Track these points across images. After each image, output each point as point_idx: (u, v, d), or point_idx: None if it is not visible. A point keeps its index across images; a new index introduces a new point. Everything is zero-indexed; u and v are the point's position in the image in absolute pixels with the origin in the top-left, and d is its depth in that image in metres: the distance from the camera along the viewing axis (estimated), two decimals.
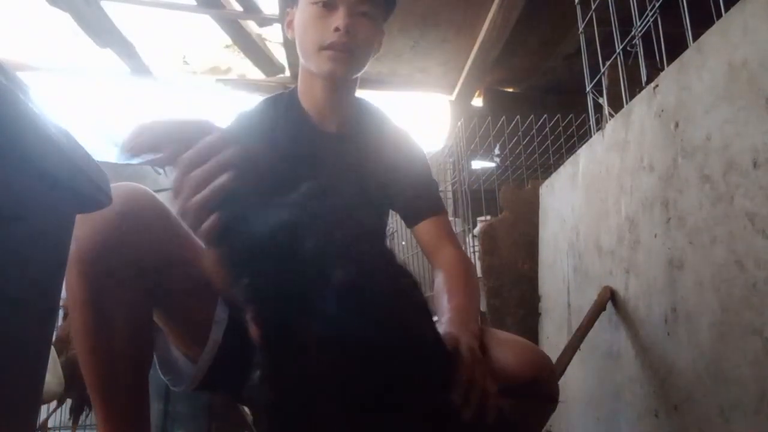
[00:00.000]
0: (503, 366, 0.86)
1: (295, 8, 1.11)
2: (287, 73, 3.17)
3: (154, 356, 1.01)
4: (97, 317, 0.83)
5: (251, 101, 1.16)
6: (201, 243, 1.00)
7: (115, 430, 0.86)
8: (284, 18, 1.18)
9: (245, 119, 1.12)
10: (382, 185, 1.15)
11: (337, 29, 1.01)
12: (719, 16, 0.92)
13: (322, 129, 1.12)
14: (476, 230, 2.58)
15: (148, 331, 0.91)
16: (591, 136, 1.54)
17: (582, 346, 1.36)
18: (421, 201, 1.19)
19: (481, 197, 2.76)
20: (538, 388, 0.88)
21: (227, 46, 3.13)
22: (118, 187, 0.84)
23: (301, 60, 1.11)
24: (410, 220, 1.22)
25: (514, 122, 2.59)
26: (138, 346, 0.88)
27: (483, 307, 2.18)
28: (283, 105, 1.14)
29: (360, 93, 1.19)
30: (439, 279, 1.07)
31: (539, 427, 0.97)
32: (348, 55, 1.04)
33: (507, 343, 0.93)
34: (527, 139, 2.59)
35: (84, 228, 0.78)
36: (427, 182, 1.21)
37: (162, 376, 1.01)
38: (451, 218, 3.08)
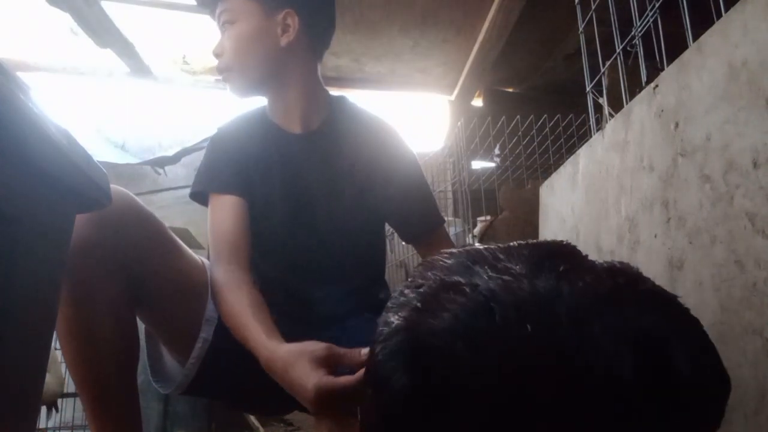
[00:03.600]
0: None
1: None
2: None
3: (147, 362, 1.02)
4: (79, 314, 0.84)
5: (251, 101, 1.15)
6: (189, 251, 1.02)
7: (104, 428, 0.87)
8: None
9: (222, 134, 1.13)
10: (365, 183, 1.11)
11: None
12: (719, 16, 0.92)
13: (287, 131, 1.10)
14: (476, 230, 2.58)
15: (133, 328, 0.92)
16: (591, 136, 1.54)
17: None
18: (418, 218, 1.15)
19: (481, 197, 2.75)
20: None
21: None
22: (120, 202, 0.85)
23: None
24: (408, 237, 1.19)
25: (514, 122, 2.59)
26: (122, 342, 0.89)
27: None
28: (257, 116, 1.14)
29: (360, 93, 1.18)
30: None
31: None
32: (227, 74, 1.06)
33: None
34: (527, 139, 2.59)
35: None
36: (421, 193, 1.16)
37: (153, 383, 1.01)
38: (450, 218, 3.08)
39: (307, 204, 1.07)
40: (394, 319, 0.48)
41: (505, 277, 0.46)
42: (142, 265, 0.89)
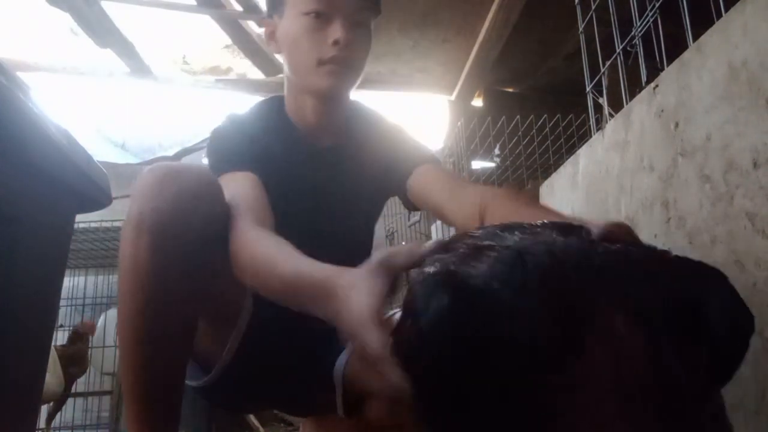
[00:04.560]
0: None
1: (277, 18, 1.02)
2: None
3: None
4: (160, 290, 0.75)
5: (252, 101, 1.14)
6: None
7: (148, 419, 0.82)
8: (264, 29, 1.08)
9: (236, 122, 1.06)
10: (378, 186, 1.10)
11: (336, 42, 0.95)
12: (719, 16, 0.92)
13: (313, 143, 1.07)
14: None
15: (199, 307, 0.86)
16: (591, 136, 1.54)
17: None
18: (410, 153, 1.09)
19: None
20: None
21: (227, 46, 3.12)
22: (189, 166, 0.84)
23: (290, 75, 1.03)
24: (404, 174, 1.08)
25: (514, 122, 2.59)
26: (189, 321, 0.83)
27: None
28: (274, 115, 1.08)
29: (360, 93, 1.15)
30: (497, 204, 0.86)
31: None
32: (348, 69, 0.99)
33: None
34: (527, 139, 2.60)
35: (159, 199, 0.75)
36: (415, 143, 1.12)
37: None
38: None
39: (313, 211, 1.04)
40: (430, 269, 0.48)
41: (538, 237, 0.48)
42: (213, 244, 0.82)
